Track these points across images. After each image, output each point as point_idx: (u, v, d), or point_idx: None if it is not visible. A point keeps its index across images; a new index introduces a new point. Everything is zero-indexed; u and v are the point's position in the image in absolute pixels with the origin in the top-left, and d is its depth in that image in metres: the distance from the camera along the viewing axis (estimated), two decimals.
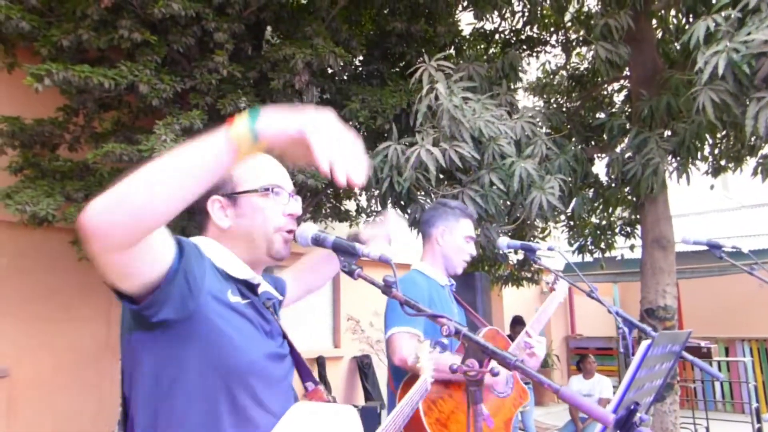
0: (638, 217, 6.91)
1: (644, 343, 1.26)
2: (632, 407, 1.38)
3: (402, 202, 5.25)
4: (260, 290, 1.45)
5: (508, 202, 4.97)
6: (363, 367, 10.46)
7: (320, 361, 10.32)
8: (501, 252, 7.33)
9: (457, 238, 2.63)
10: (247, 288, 1.41)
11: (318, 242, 1.37)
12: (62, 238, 6.60)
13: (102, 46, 5.40)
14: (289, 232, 1.45)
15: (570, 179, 5.69)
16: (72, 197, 5.82)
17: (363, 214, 8.45)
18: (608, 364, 11.68)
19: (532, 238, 7.18)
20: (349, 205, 8.60)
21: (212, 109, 5.87)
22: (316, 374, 10.29)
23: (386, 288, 1.28)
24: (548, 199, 4.56)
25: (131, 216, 1.03)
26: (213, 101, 5.85)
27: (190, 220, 1.48)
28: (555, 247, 2.61)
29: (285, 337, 1.50)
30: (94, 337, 7.43)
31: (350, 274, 1.33)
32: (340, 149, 1.13)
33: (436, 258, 2.67)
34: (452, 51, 7.53)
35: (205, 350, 1.23)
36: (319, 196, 7.95)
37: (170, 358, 1.22)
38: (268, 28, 7.02)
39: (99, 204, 1.02)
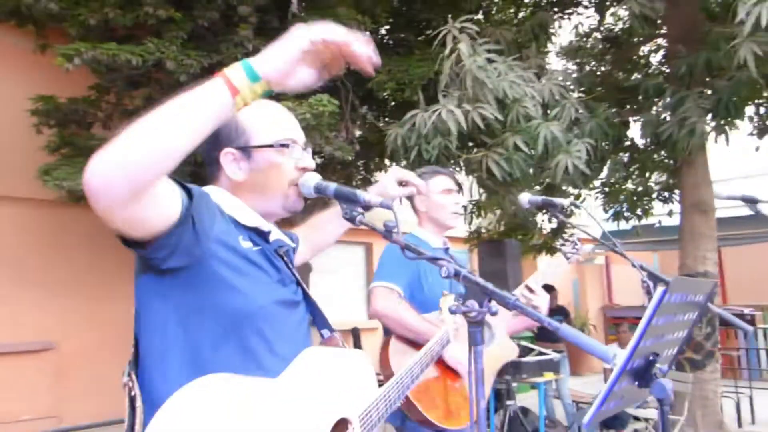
0: (676, 181, 6.71)
1: (659, 289, 1.22)
2: (651, 357, 1.34)
3: None
4: (272, 238, 1.45)
5: (536, 166, 4.86)
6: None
7: (355, 333, 10.43)
8: (531, 219, 7.25)
9: (434, 198, 2.69)
10: (258, 235, 1.41)
11: (320, 191, 1.37)
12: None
13: (128, 23, 5.45)
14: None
15: (604, 143, 5.54)
16: None
17: None
18: None
19: (562, 205, 7.04)
20: (379, 177, 8.57)
21: None
22: (352, 345, 10.42)
23: (387, 232, 1.27)
24: (574, 163, 4.44)
25: (131, 171, 1.01)
26: None
27: (201, 167, 1.48)
28: (579, 204, 2.55)
29: (299, 284, 1.50)
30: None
31: (351, 220, 1.32)
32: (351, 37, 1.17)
33: (425, 223, 2.75)
34: (480, 16, 7.36)
35: (214, 295, 1.24)
36: (350, 168, 7.95)
37: (180, 302, 1.24)
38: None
39: (99, 162, 1.01)
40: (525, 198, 2.53)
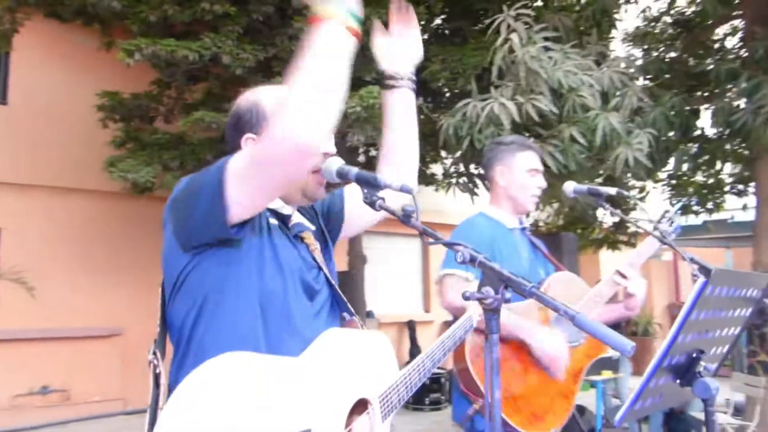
0: (751, 173, 6.30)
1: (699, 281, 1.11)
2: (695, 354, 1.24)
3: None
4: (292, 222, 1.46)
5: (594, 159, 4.66)
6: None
7: (411, 325, 10.41)
8: (591, 212, 6.99)
9: (517, 174, 2.42)
10: (278, 218, 1.43)
11: (342, 175, 1.37)
12: (163, 207, 7.04)
13: (186, 19, 5.59)
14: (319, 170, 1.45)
15: (669, 133, 5.25)
16: (168, 166, 6.16)
17: (450, 178, 8.29)
18: None
19: (624, 199, 6.76)
20: (435, 169, 8.48)
21: None
22: (407, 338, 10.40)
23: (405, 217, 1.25)
24: (635, 156, 4.22)
25: (321, 117, 1.13)
26: None
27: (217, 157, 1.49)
28: (629, 195, 2.37)
29: (320, 269, 1.49)
30: None
31: (372, 205, 1.30)
32: None
33: (500, 200, 2.48)
34: (540, 2, 7.13)
35: (246, 273, 1.27)
36: None
37: (212, 278, 1.27)
38: None
39: (299, 122, 1.11)
40: (570, 187, 2.37)
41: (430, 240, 1.22)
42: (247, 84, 5.79)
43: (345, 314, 1.51)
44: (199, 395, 1.06)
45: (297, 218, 1.49)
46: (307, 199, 1.46)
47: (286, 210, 1.44)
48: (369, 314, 8.86)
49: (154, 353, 1.27)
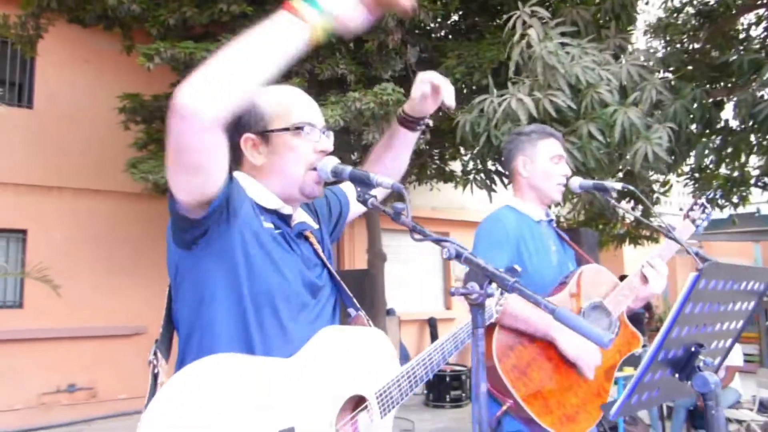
0: None
1: (692, 275, 1.11)
2: (693, 348, 1.23)
3: (501, 157, 5.06)
4: (294, 221, 1.49)
5: (615, 154, 4.60)
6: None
7: (431, 323, 10.41)
8: (610, 205, 6.90)
9: (540, 163, 2.35)
10: (279, 218, 1.45)
11: (337, 174, 1.40)
12: None
13: (204, 21, 5.65)
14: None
15: (692, 126, 5.17)
16: None
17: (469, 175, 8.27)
18: (748, 330, 10.69)
19: (646, 192, 6.66)
20: (454, 166, 8.46)
21: (311, 75, 5.97)
22: (428, 335, 10.40)
23: (395, 215, 1.26)
24: (655, 150, 4.15)
25: (220, 89, 1.10)
26: (312, 67, 5.95)
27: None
28: (629, 186, 2.31)
29: (325, 266, 1.52)
30: None
31: (364, 203, 1.33)
32: None
33: (524, 192, 2.40)
34: None
35: (236, 271, 1.29)
36: (424, 157, 7.90)
37: (206, 277, 1.29)
38: None
39: (191, 83, 1.09)
40: (576, 182, 2.32)
41: (418, 237, 1.23)
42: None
43: (351, 310, 1.54)
44: (183, 394, 1.08)
45: (300, 217, 1.51)
46: (305, 197, 1.48)
47: (285, 210, 1.46)
48: (389, 312, 8.88)
49: (155, 353, 1.30)
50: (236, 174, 1.44)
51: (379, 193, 1.39)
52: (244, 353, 1.24)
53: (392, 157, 1.80)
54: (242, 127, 1.44)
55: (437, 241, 1.19)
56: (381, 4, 1.24)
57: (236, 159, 1.49)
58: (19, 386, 7.23)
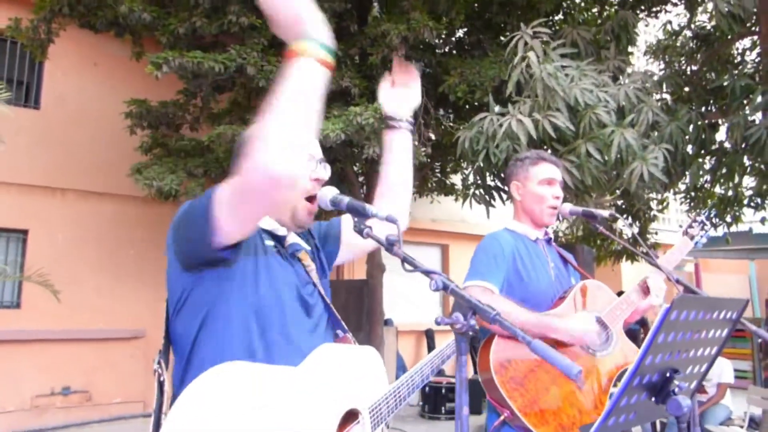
0: None
1: (664, 306, 1.20)
2: (668, 374, 1.32)
3: (500, 174, 5.15)
4: (287, 242, 1.57)
5: (612, 173, 4.71)
6: (473, 341, 10.42)
7: (429, 334, 10.46)
8: (598, 231, 6.99)
9: (531, 187, 2.45)
10: (273, 239, 1.53)
11: (335, 204, 1.48)
12: None
13: (213, 31, 5.76)
14: (313, 198, 1.56)
15: (688, 147, 5.27)
16: (193, 173, 6.33)
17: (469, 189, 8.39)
18: (741, 346, 10.76)
19: (643, 210, 6.77)
20: (455, 179, 8.56)
21: None
22: (425, 347, 10.45)
23: (389, 245, 1.35)
24: (650, 170, 4.27)
25: (292, 150, 1.19)
26: None
27: None
28: (617, 214, 2.41)
29: (315, 285, 1.59)
30: None
31: (360, 233, 1.42)
32: None
33: (520, 215, 2.50)
34: (561, 16, 7.21)
35: (240, 288, 1.37)
36: (425, 169, 8.01)
37: (212, 295, 1.36)
38: (375, 3, 7.10)
39: (269, 152, 1.16)
40: (566, 208, 2.42)
41: (409, 268, 1.31)
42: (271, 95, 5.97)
43: (339, 331, 1.61)
44: (197, 403, 1.16)
45: (292, 239, 1.60)
46: (296, 225, 1.56)
47: (280, 231, 1.55)
48: (387, 322, 8.93)
49: (159, 363, 1.38)
50: None
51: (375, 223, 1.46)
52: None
53: (395, 171, 1.87)
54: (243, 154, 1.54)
55: (426, 273, 1.27)
56: None
57: None
58: (13, 388, 7.20)
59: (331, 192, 1.51)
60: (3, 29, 6.79)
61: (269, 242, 1.49)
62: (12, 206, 7.47)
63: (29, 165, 7.56)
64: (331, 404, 1.38)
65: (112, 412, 7.75)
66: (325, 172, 1.59)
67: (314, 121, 1.23)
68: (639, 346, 1.29)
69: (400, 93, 1.84)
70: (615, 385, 2.44)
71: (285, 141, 1.18)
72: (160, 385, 1.35)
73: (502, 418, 2.12)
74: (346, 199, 1.45)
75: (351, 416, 1.44)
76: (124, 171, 6.61)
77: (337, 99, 6.20)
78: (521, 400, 2.08)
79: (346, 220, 1.82)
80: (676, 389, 1.29)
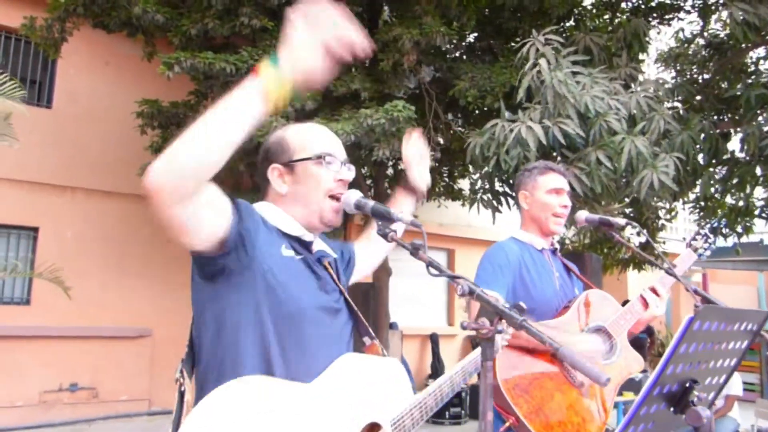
0: None
1: (686, 317, 1.19)
2: (688, 384, 1.31)
3: (509, 180, 5.15)
4: (314, 248, 1.56)
5: (622, 181, 4.69)
6: (477, 345, 10.41)
7: (433, 338, 10.44)
8: (614, 240, 6.97)
9: (538, 196, 2.47)
10: (301, 245, 1.52)
11: (360, 207, 1.47)
12: None
13: (225, 33, 5.79)
14: (339, 197, 1.55)
15: (700, 156, 5.23)
16: None
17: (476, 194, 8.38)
18: (749, 359, 10.67)
19: (651, 219, 6.74)
20: (463, 184, 8.55)
21: (326, 90, 6.08)
22: (430, 351, 10.43)
23: (414, 250, 1.33)
24: (660, 178, 4.25)
25: (181, 170, 1.16)
26: (327, 83, 6.05)
27: (257, 192, 1.62)
28: (632, 223, 2.42)
29: (342, 293, 1.59)
30: None
31: (384, 237, 1.41)
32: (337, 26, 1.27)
33: (528, 224, 2.53)
34: (572, 23, 7.19)
35: (258, 298, 1.35)
36: (433, 174, 8.00)
37: (229, 305, 1.36)
38: (386, 7, 7.11)
39: (156, 165, 1.15)
40: (582, 215, 2.44)
41: (434, 272, 1.30)
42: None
43: (366, 338, 1.61)
44: (212, 416, 1.15)
45: (319, 245, 1.59)
46: (324, 225, 1.55)
47: (307, 237, 1.54)
48: (393, 326, 8.92)
49: (181, 371, 1.38)
50: (258, 205, 1.53)
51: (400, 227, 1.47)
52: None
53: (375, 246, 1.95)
54: (269, 158, 1.55)
55: (452, 278, 1.26)
56: (337, 52, 1.28)
57: (263, 189, 1.59)
58: (22, 383, 7.28)
59: (356, 195, 1.50)
60: (17, 28, 6.84)
61: (288, 252, 1.47)
62: (23, 203, 7.53)
63: (41, 163, 7.61)
64: (351, 417, 1.35)
65: (118, 409, 7.78)
66: (350, 173, 1.59)
67: (223, 148, 1.19)
68: (645, 356, 1.29)
69: (420, 168, 1.97)
70: (620, 394, 2.43)
71: (178, 160, 1.15)
72: (181, 395, 1.35)
73: (507, 424, 2.12)
74: (370, 203, 1.45)
75: (373, 429, 1.42)
76: (134, 170, 6.63)
77: (347, 102, 6.21)
78: (526, 406, 2.09)
79: (359, 247, 1.90)
80: (695, 399, 1.29)
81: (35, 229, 7.72)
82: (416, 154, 1.96)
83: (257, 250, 1.37)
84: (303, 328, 1.40)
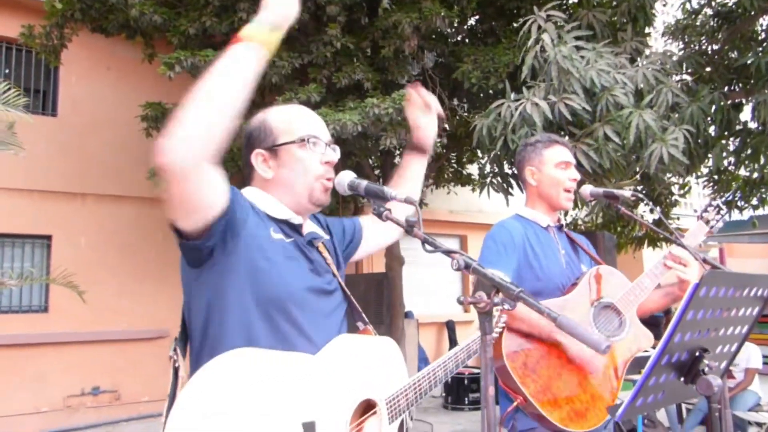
0: None
1: (692, 283, 1.15)
2: (697, 353, 1.27)
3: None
4: (305, 230, 1.54)
5: (632, 156, 4.61)
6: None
7: (449, 325, 10.42)
8: (619, 213, 6.87)
9: (547, 171, 2.39)
10: (290, 228, 1.51)
11: (353, 188, 1.45)
12: None
13: (224, 30, 5.76)
14: (329, 179, 1.53)
15: (711, 128, 5.13)
16: None
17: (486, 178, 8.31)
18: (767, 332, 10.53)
19: (664, 195, 6.64)
20: (472, 169, 8.48)
21: (329, 82, 6.05)
22: (446, 338, 10.41)
23: (408, 227, 1.32)
24: (670, 152, 4.16)
25: (191, 136, 1.16)
26: (329, 74, 6.02)
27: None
28: (639, 195, 2.34)
29: (334, 275, 1.57)
30: None
31: (379, 216, 1.39)
32: None
33: (535, 201, 2.45)
34: (574, 0, 7.07)
35: (245, 282, 1.35)
36: (441, 160, 7.95)
37: (215, 290, 1.36)
38: None
39: (164, 140, 1.14)
40: (587, 190, 2.37)
41: (429, 248, 1.28)
42: (284, 90, 5.95)
43: (359, 323, 1.59)
44: (207, 387, 1.14)
45: (309, 227, 1.57)
46: (314, 205, 1.54)
47: (295, 219, 1.52)
48: (408, 315, 8.91)
49: (175, 350, 1.38)
50: (245, 190, 1.51)
51: (396, 206, 1.44)
52: None
53: (409, 189, 1.91)
54: (252, 143, 1.53)
55: (447, 253, 1.24)
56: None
57: (248, 175, 1.56)
58: (45, 389, 7.39)
59: (349, 176, 1.47)
60: (17, 38, 6.86)
61: (277, 235, 1.45)
62: (35, 213, 7.59)
63: (49, 172, 7.67)
64: (346, 393, 1.36)
65: (140, 411, 7.87)
66: (335, 154, 1.57)
67: (234, 108, 1.20)
68: (660, 334, 1.25)
69: (427, 121, 1.91)
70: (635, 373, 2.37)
71: (190, 129, 1.15)
72: (175, 371, 1.35)
73: (515, 404, 2.11)
74: (363, 183, 1.43)
75: (368, 407, 1.42)
76: (143, 173, 6.65)
77: (350, 92, 6.17)
78: (534, 386, 2.07)
79: (366, 219, 1.85)
80: (706, 369, 1.25)
81: (48, 237, 7.79)
82: (420, 104, 1.89)
83: (244, 236, 1.36)
84: (290, 311, 1.39)
